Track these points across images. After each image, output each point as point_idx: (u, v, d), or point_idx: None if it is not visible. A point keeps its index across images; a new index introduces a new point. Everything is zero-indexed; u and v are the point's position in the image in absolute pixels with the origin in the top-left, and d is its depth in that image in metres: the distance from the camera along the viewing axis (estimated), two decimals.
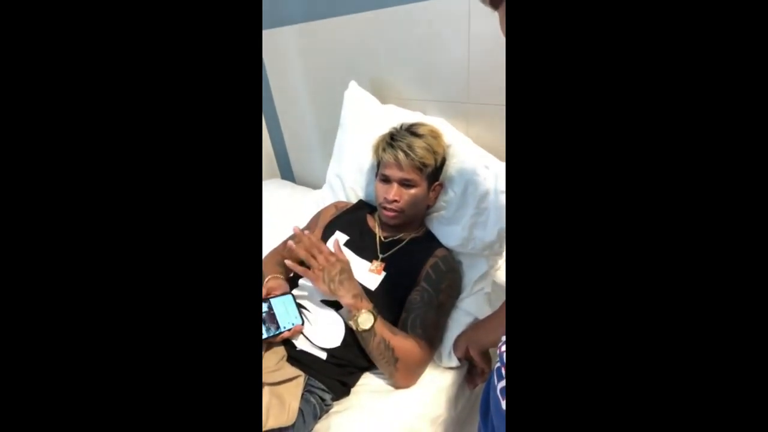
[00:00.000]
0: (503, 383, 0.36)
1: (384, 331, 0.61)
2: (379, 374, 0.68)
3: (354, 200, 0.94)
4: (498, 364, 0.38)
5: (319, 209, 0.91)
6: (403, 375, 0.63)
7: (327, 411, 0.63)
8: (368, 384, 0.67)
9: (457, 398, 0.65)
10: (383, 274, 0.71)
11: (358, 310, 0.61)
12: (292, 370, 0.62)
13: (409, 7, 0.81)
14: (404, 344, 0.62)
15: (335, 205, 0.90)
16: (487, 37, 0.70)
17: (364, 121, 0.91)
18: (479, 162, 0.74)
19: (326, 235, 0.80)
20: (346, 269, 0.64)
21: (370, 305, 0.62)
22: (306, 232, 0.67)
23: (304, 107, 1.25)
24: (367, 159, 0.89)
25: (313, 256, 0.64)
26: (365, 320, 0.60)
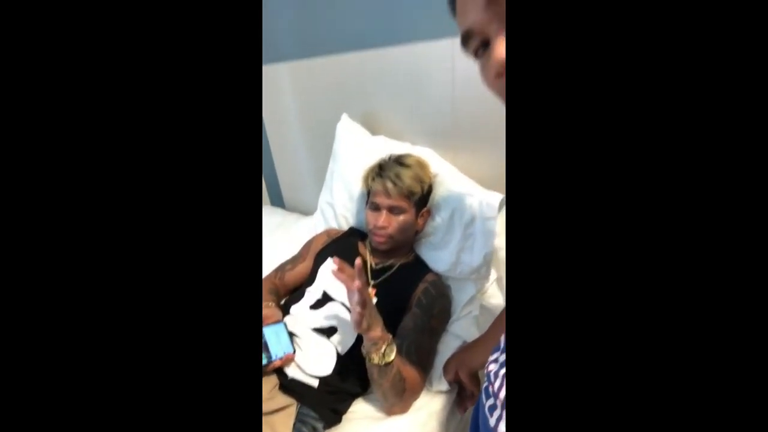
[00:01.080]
0: (491, 401, 0.37)
1: (398, 362, 0.60)
2: (370, 401, 0.68)
3: (345, 227, 0.96)
4: (486, 383, 0.40)
5: (311, 236, 0.93)
6: (406, 404, 0.64)
7: None
8: (359, 411, 0.67)
9: (448, 422, 0.66)
10: (375, 300, 0.72)
11: (385, 342, 0.58)
12: (283, 399, 0.62)
13: (397, 48, 0.87)
14: (412, 374, 0.62)
15: (327, 232, 0.92)
16: (470, 74, 0.76)
17: (355, 151, 0.96)
18: (465, 190, 0.78)
19: (318, 262, 0.82)
20: (373, 304, 0.60)
21: (390, 336, 0.60)
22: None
23: (298, 138, 1.29)
24: (357, 187, 0.92)
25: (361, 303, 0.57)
26: (390, 352, 0.58)
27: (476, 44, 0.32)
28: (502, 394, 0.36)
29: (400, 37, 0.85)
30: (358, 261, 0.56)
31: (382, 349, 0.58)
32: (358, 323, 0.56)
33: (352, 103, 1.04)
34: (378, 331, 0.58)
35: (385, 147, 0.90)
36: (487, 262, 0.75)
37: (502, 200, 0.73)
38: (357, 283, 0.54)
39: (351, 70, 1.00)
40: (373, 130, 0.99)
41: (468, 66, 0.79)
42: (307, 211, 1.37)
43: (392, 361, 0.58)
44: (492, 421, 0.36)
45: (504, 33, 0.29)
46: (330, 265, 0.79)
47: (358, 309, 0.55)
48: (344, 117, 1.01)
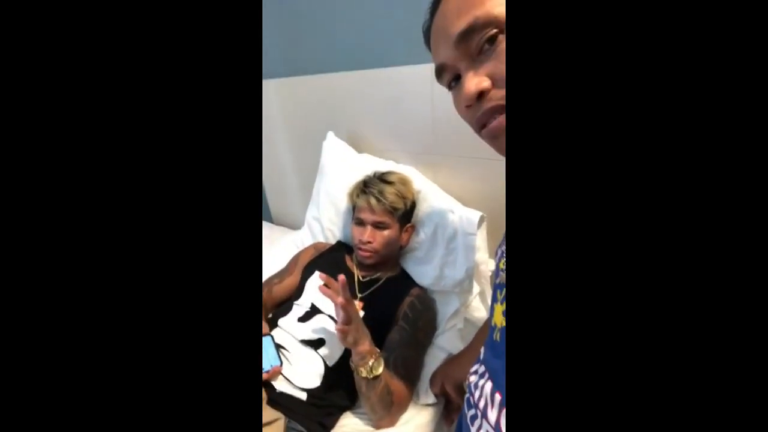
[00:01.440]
0: (472, 411, 0.39)
1: (386, 375, 0.62)
2: (358, 414, 0.69)
3: (332, 241, 0.98)
4: (467, 395, 0.42)
5: (297, 250, 0.95)
6: (393, 417, 0.65)
7: None
8: (347, 425, 0.68)
9: None
10: (362, 313, 0.74)
11: (372, 356, 0.60)
12: (271, 413, 0.62)
13: (381, 71, 0.91)
14: (399, 387, 0.64)
15: (314, 246, 0.94)
16: (448, 98, 0.80)
17: (341, 168, 0.98)
18: (446, 206, 0.82)
19: (305, 276, 0.83)
20: (360, 318, 0.62)
21: (378, 350, 0.62)
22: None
23: (284, 153, 1.32)
24: (344, 203, 0.95)
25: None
26: (377, 365, 0.60)
27: (449, 78, 0.35)
28: (482, 404, 0.38)
29: (384, 60, 0.90)
30: (341, 277, 0.57)
31: (370, 363, 0.59)
32: (343, 339, 0.57)
33: (337, 122, 1.07)
34: (366, 345, 0.60)
35: (370, 164, 0.93)
36: (469, 276, 0.78)
37: (481, 216, 0.77)
38: (340, 299, 0.56)
39: (337, 90, 1.03)
40: (358, 148, 1.02)
41: (446, 90, 0.84)
42: (293, 225, 1.39)
43: (380, 375, 0.60)
44: (474, 430, 0.38)
45: (472, 70, 0.31)
46: (317, 279, 0.81)
47: (341, 326, 0.56)
48: (330, 135, 1.04)
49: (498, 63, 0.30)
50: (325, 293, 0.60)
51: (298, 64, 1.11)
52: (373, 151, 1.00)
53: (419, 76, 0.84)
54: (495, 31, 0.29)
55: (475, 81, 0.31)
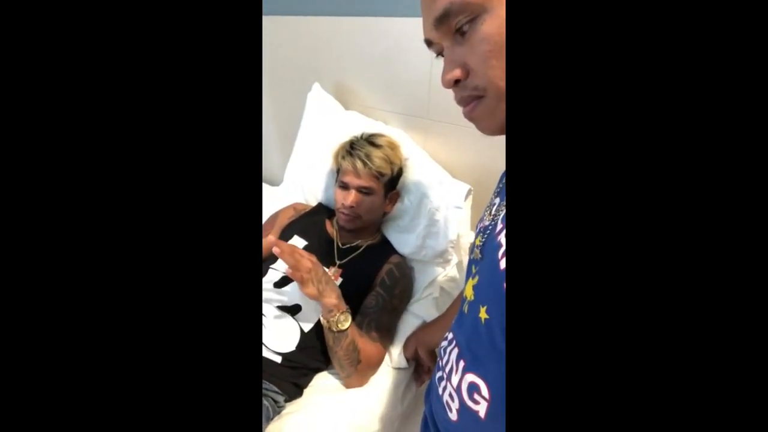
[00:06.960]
0: (440, 373, 0.42)
1: (354, 332, 0.64)
2: (331, 374, 0.71)
3: (312, 202, 0.95)
4: (438, 358, 0.45)
5: (275, 208, 0.91)
6: (360, 375, 0.67)
7: (279, 412, 0.64)
8: (319, 384, 0.69)
9: (404, 396, 0.70)
10: (340, 280, 0.73)
11: (339, 310, 0.62)
12: None
13: (378, 20, 0.83)
14: (368, 347, 0.66)
15: (294, 206, 0.90)
16: None
17: (326, 125, 0.92)
18: (434, 177, 0.79)
19: (283, 238, 0.80)
20: (326, 272, 0.65)
21: (347, 306, 0.65)
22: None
23: (264, 99, 1.21)
24: (327, 163, 0.90)
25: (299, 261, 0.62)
26: (344, 320, 0.62)
27: (435, 50, 0.35)
28: (448, 368, 0.40)
29: (382, 8, 0.81)
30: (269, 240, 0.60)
31: (336, 317, 0.62)
32: (304, 287, 0.59)
33: (325, 72, 0.99)
34: (332, 299, 0.62)
35: (358, 123, 0.88)
36: (451, 248, 0.79)
37: (469, 190, 0.76)
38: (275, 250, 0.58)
39: (327, 36, 0.94)
40: (346, 104, 0.95)
41: None
42: (270, 180, 1.32)
43: (346, 330, 0.62)
44: (440, 390, 0.41)
45: (451, 51, 0.31)
46: (296, 242, 0.78)
47: (290, 270, 0.58)
48: (316, 86, 0.96)
49: (469, 51, 0.30)
50: (281, 257, 0.61)
51: (286, 1, 0.98)
52: (361, 109, 0.94)
53: (420, 31, 0.76)
54: (471, 16, 0.29)
55: (447, 70, 0.32)
